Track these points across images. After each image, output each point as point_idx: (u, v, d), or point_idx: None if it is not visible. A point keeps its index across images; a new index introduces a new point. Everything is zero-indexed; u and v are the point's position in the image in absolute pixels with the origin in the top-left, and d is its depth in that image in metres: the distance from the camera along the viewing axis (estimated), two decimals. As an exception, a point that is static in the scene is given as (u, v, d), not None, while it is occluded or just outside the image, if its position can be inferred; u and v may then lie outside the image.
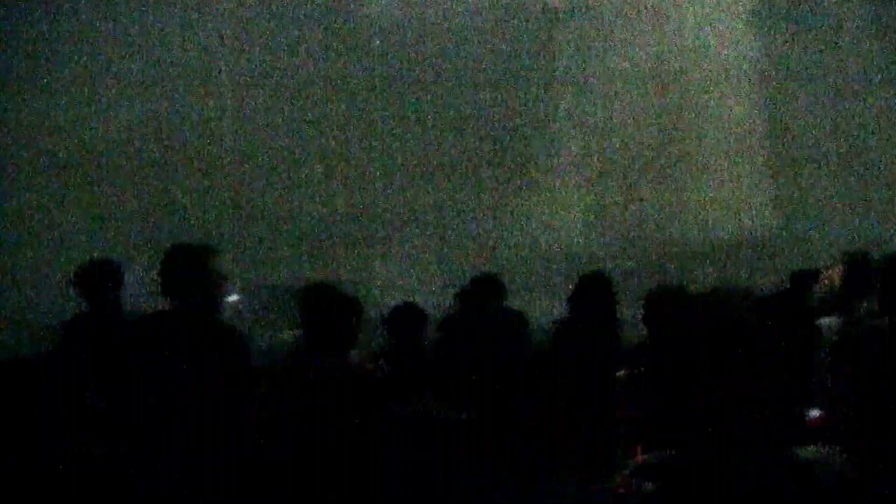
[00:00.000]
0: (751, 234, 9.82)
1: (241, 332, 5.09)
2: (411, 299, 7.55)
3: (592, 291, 6.60)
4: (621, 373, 6.01)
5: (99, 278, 6.36)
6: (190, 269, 4.84)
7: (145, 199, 9.36)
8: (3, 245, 9.04)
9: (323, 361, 4.74)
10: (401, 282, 9.32)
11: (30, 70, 9.40)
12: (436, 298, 8.71)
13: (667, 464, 2.08)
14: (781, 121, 10.34)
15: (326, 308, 4.96)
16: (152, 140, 9.40)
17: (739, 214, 10.00)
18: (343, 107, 9.73)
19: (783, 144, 10.32)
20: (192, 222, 8.52)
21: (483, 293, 7.18)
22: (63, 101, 9.38)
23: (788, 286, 7.55)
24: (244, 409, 4.67)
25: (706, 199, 10.03)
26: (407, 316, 7.07)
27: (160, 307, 4.90)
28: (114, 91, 9.44)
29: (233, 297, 9.03)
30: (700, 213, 9.89)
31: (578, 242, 9.74)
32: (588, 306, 6.42)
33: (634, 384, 5.50)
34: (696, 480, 1.96)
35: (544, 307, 6.16)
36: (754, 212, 10.10)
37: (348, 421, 4.58)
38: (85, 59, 9.45)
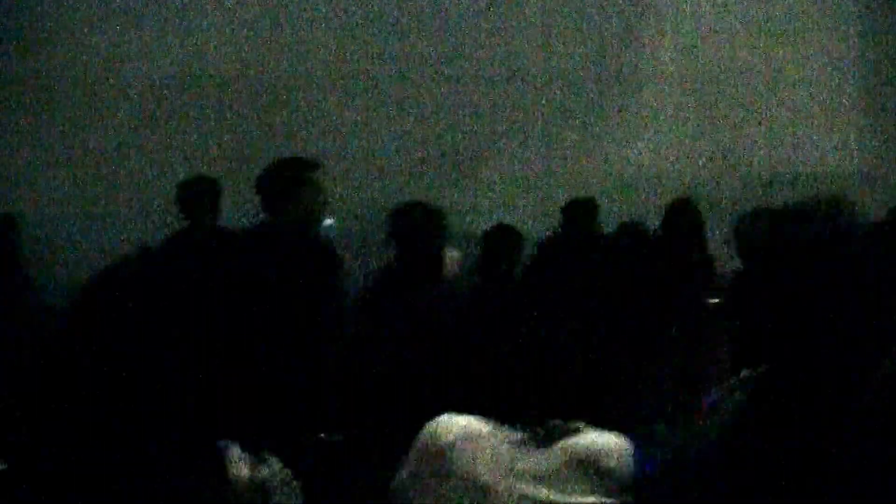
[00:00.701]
0: (840, 166, 9.62)
1: (335, 250, 5.12)
2: (507, 221, 7.58)
3: (682, 217, 6.63)
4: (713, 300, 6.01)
5: (198, 193, 6.52)
6: (290, 181, 4.87)
7: (247, 119, 9.46)
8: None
9: (414, 279, 4.76)
10: (497, 204, 9.31)
11: None
12: (531, 221, 8.71)
13: (761, 377, 2.08)
14: (871, 55, 10.06)
15: (415, 224, 4.97)
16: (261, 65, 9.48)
17: (830, 146, 9.80)
18: (439, 30, 9.69)
19: (874, 78, 10.07)
20: (289, 143, 8.54)
21: (578, 216, 7.19)
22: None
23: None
24: (337, 322, 4.71)
25: (796, 130, 9.84)
26: (503, 237, 7.10)
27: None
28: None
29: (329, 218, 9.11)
30: (790, 144, 9.71)
31: (673, 168, 9.64)
32: (676, 231, 6.45)
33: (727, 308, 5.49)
34: (788, 392, 1.96)
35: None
36: (846, 144, 9.89)
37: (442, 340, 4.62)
38: None
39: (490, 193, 9.49)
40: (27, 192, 8.89)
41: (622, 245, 4.57)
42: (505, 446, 2.49)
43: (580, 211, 7.31)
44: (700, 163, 9.67)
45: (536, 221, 8.62)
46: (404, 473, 2.59)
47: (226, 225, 6.43)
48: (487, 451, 2.49)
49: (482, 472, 2.45)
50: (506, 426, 2.53)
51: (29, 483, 1.83)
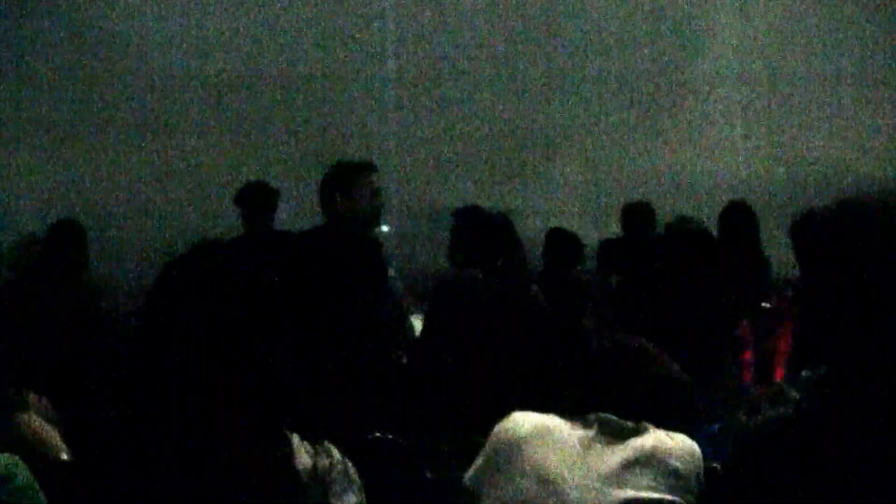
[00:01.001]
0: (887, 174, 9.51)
1: (381, 248, 5.15)
2: (566, 225, 7.62)
3: (736, 219, 6.65)
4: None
5: (256, 199, 6.69)
6: (346, 185, 4.94)
7: (301, 121, 9.54)
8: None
9: (475, 281, 4.76)
10: (557, 208, 9.32)
11: None
12: (589, 224, 8.73)
13: (817, 378, 2.08)
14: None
15: (476, 227, 4.98)
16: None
17: (884, 150, 9.69)
18: (497, 37, 9.72)
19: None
20: (350, 144, 8.61)
21: (635, 219, 7.22)
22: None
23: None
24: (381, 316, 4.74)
25: (841, 137, 9.74)
26: (561, 241, 7.18)
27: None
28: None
29: (389, 219, 9.20)
30: (835, 152, 9.62)
31: (727, 174, 9.59)
32: (731, 233, 6.47)
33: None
34: (843, 392, 1.96)
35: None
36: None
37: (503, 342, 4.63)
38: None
39: (549, 197, 9.51)
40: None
41: (679, 248, 4.56)
42: (575, 442, 2.53)
43: (637, 215, 7.34)
44: (757, 166, 9.61)
45: (596, 225, 8.67)
46: (477, 467, 2.64)
47: (283, 229, 6.58)
48: (559, 445, 2.53)
49: (553, 466, 2.50)
50: (578, 423, 2.57)
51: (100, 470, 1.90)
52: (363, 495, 1.99)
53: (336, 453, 1.98)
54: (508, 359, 4.66)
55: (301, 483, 1.89)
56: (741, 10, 9.83)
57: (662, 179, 9.44)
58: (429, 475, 3.11)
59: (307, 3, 9.59)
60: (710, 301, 4.29)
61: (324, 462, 1.95)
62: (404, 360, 5.70)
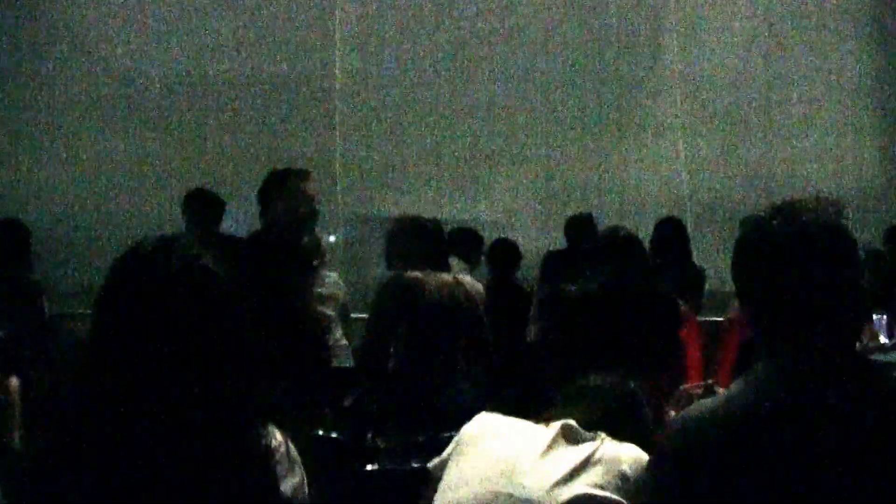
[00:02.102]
0: (855, 187, 9.68)
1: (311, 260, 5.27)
2: (511, 236, 7.74)
3: (669, 235, 6.89)
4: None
5: (201, 206, 6.74)
6: (281, 190, 5.05)
7: (251, 126, 9.58)
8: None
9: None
10: (503, 220, 9.42)
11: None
12: (535, 236, 8.84)
13: (747, 373, 2.18)
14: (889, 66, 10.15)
15: (409, 232, 5.11)
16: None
17: (844, 167, 9.86)
18: (449, 48, 9.82)
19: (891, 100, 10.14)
20: (300, 151, 8.65)
21: (577, 232, 7.35)
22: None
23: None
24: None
25: (808, 151, 9.90)
26: (503, 250, 7.32)
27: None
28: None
29: (339, 228, 9.25)
30: (800, 166, 9.78)
31: (672, 190, 9.73)
32: (664, 249, 6.68)
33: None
34: (773, 383, 2.07)
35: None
36: (861, 165, 9.95)
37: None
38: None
39: (495, 208, 9.61)
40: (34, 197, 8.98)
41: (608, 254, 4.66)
42: (537, 440, 2.62)
43: (579, 227, 7.47)
44: (702, 186, 9.74)
45: (541, 237, 8.77)
46: (443, 455, 2.73)
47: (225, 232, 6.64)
48: (521, 440, 2.63)
49: (512, 456, 2.59)
50: (541, 426, 2.67)
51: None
52: (304, 474, 2.06)
53: (279, 435, 2.06)
54: (448, 352, 4.79)
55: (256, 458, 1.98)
56: (689, 22, 9.98)
57: (611, 191, 9.56)
58: (369, 468, 3.18)
59: (262, 9, 9.65)
60: (640, 305, 4.40)
61: (269, 444, 2.02)
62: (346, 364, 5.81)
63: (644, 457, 2.57)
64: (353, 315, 6.36)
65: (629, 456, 2.59)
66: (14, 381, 4.38)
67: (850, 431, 2.00)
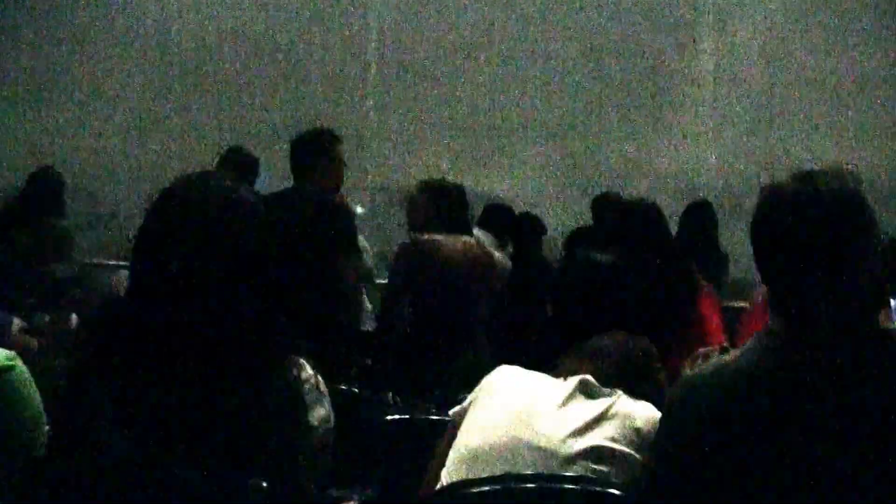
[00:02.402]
0: (886, 170, 9.68)
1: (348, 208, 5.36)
2: (535, 211, 7.81)
3: (697, 218, 6.93)
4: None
5: (238, 164, 6.83)
6: (322, 150, 5.13)
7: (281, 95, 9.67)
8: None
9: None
10: (529, 197, 9.46)
11: None
12: (561, 215, 8.89)
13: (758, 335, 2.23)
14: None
15: (430, 198, 5.17)
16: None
17: (877, 154, 9.85)
18: (479, 22, 9.86)
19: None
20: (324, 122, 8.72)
21: (604, 210, 7.39)
22: None
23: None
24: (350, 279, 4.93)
25: (842, 140, 9.89)
26: (527, 224, 7.38)
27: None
28: None
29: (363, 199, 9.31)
30: (832, 154, 9.77)
31: (700, 176, 9.76)
32: (692, 231, 6.73)
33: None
34: (785, 345, 2.13)
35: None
36: (881, 155, 9.94)
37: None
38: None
39: (522, 184, 9.66)
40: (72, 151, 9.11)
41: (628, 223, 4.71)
42: (556, 393, 2.70)
43: (607, 205, 7.50)
44: (729, 161, 9.75)
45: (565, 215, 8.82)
46: (464, 404, 2.81)
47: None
48: (539, 392, 2.71)
49: (530, 406, 2.66)
50: (561, 380, 2.75)
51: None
52: (331, 408, 2.16)
53: (309, 368, 2.15)
54: (466, 314, 4.86)
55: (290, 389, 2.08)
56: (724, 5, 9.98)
57: (639, 173, 9.59)
58: (389, 418, 3.28)
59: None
60: (657, 272, 4.46)
61: (298, 374, 2.12)
62: (369, 327, 5.90)
63: (658, 415, 2.64)
64: (377, 281, 6.46)
65: (644, 412, 2.66)
66: (74, 318, 4.54)
67: (852, 399, 2.04)
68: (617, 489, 2.45)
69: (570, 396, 2.69)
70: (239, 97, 9.60)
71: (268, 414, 2.05)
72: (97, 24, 9.57)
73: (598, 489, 2.44)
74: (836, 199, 2.12)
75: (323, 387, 2.16)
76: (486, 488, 2.44)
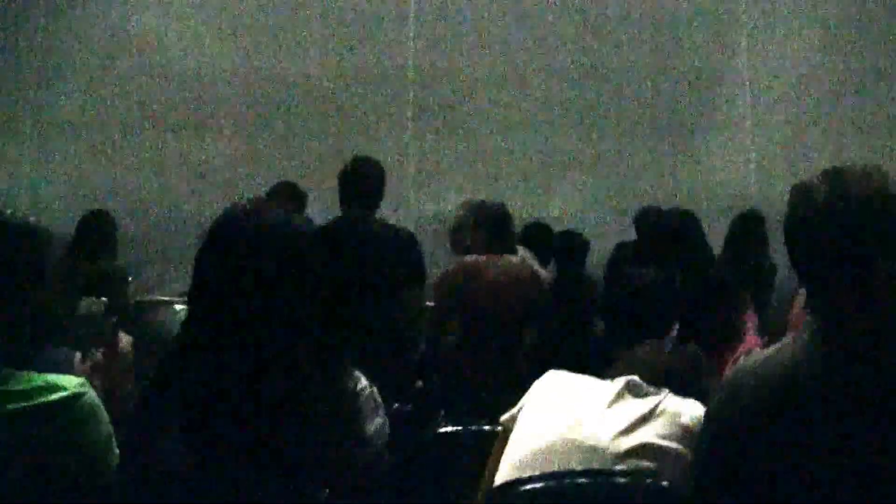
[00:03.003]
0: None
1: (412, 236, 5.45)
2: (578, 230, 7.87)
3: (743, 228, 6.92)
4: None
5: (287, 199, 6.93)
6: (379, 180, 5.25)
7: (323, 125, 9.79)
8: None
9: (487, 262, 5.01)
10: (572, 220, 9.50)
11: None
12: (604, 236, 8.94)
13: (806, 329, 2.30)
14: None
15: (474, 219, 5.24)
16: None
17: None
18: (525, 57, 9.95)
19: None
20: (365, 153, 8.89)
21: (647, 224, 7.42)
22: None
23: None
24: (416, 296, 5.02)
25: (879, 151, 9.86)
26: (569, 241, 7.45)
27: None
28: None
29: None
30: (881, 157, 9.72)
31: (741, 191, 9.76)
32: (737, 242, 6.72)
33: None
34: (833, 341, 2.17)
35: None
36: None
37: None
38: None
39: (565, 207, 9.70)
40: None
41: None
42: (602, 395, 2.78)
43: (649, 218, 7.54)
44: (770, 181, 9.74)
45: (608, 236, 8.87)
46: (514, 410, 2.90)
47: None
48: (586, 394, 2.79)
49: (577, 408, 2.75)
50: (607, 381, 2.83)
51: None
52: (386, 418, 2.25)
53: (364, 380, 2.25)
54: (513, 332, 4.91)
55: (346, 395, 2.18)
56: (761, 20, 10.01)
57: (680, 191, 9.60)
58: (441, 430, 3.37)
59: (332, 5, 9.86)
60: (699, 287, 4.51)
61: (356, 388, 2.22)
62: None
63: (702, 410, 2.71)
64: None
65: (691, 410, 2.73)
66: (125, 338, 4.65)
67: (888, 395, 2.06)
68: (666, 484, 2.52)
69: (618, 396, 2.77)
70: (278, 133, 9.74)
71: (328, 425, 2.14)
72: (136, 68, 9.73)
73: (648, 482, 2.50)
74: (867, 197, 2.13)
75: (378, 399, 2.26)
76: (539, 485, 2.51)
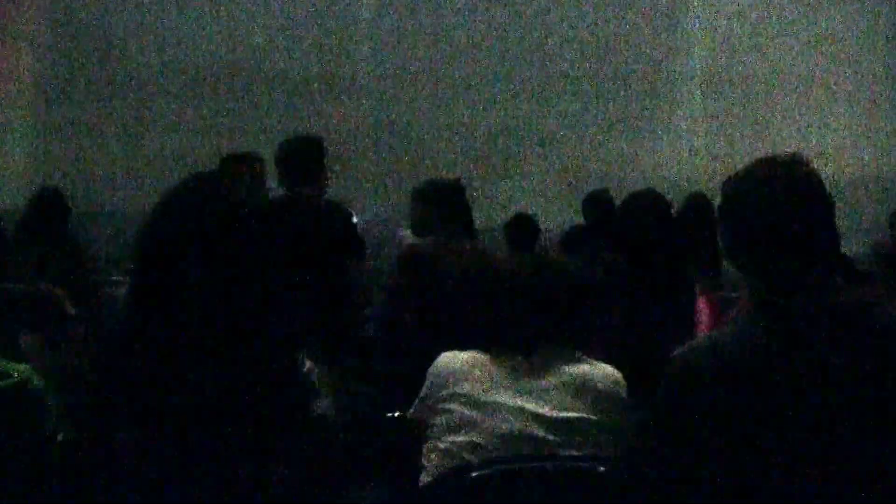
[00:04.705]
0: (875, 170, 9.79)
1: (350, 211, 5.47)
2: (531, 212, 7.92)
3: (695, 208, 6.98)
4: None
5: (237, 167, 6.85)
6: (307, 159, 5.25)
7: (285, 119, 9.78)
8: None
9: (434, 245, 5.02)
10: (523, 197, 9.55)
11: None
12: (555, 214, 9.00)
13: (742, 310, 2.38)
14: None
15: (430, 195, 5.24)
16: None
17: (862, 151, 9.95)
18: (478, 36, 9.97)
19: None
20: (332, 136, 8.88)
21: (596, 207, 7.50)
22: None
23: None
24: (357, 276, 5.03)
25: (823, 135, 9.99)
26: (521, 225, 7.50)
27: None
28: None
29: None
30: (816, 149, 9.87)
31: (688, 174, 9.85)
32: (689, 221, 6.77)
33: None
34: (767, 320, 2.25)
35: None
36: (878, 149, 10.03)
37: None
38: None
39: (519, 187, 9.75)
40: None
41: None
42: (506, 371, 2.81)
43: (598, 202, 7.61)
44: (719, 165, 9.82)
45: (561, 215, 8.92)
46: (418, 402, 2.93)
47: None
48: (489, 374, 2.82)
49: (487, 391, 2.77)
50: (504, 355, 2.86)
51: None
52: (332, 398, 2.28)
53: (309, 363, 2.27)
54: (464, 326, 4.92)
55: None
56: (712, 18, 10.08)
57: (630, 183, 9.68)
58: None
59: (299, 8, 9.85)
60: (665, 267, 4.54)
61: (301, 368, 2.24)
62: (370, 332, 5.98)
63: (619, 375, 2.77)
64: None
65: (604, 375, 2.80)
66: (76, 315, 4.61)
67: (820, 367, 2.16)
68: (603, 464, 2.56)
69: (522, 369, 2.81)
70: (228, 104, 9.72)
71: (280, 407, 2.16)
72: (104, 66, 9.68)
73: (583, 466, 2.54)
74: (795, 183, 2.25)
75: (324, 379, 2.28)
76: (484, 472, 2.55)
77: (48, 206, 6.92)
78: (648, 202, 4.82)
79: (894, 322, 2.20)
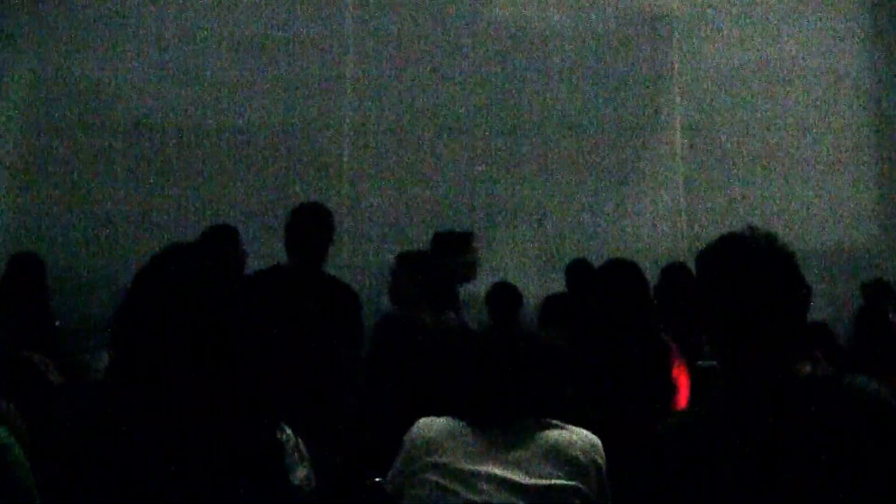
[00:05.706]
0: (850, 241, 9.84)
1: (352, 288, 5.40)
2: (510, 281, 7.91)
3: (676, 281, 7.00)
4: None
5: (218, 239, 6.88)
6: (327, 229, 5.18)
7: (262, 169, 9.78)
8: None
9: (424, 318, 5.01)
10: (503, 266, 9.54)
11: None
12: (535, 282, 8.99)
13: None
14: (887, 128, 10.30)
15: (412, 267, 5.24)
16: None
17: (839, 221, 10.00)
18: (458, 108, 10.03)
19: (888, 151, 10.27)
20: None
21: (577, 277, 7.53)
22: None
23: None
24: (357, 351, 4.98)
25: (801, 203, 10.04)
26: (502, 294, 7.50)
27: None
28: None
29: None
30: (794, 218, 9.92)
31: (666, 240, 9.87)
32: (671, 295, 6.78)
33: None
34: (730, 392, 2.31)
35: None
36: (855, 219, 10.08)
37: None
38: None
39: (499, 256, 9.74)
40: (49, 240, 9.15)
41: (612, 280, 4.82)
42: (481, 440, 2.81)
43: (579, 272, 7.64)
44: (696, 236, 9.84)
45: (540, 283, 8.92)
46: (395, 471, 2.92)
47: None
48: (466, 443, 2.81)
49: (466, 461, 2.77)
50: (480, 425, 2.86)
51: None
52: (311, 469, 2.27)
53: (289, 431, 2.26)
54: (440, 396, 4.90)
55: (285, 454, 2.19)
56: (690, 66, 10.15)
57: (610, 240, 9.69)
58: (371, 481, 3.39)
59: (273, 57, 9.89)
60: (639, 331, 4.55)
61: (282, 439, 2.23)
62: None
63: (596, 440, 2.77)
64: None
65: (581, 441, 2.80)
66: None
67: (785, 440, 2.20)
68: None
69: (498, 438, 2.81)
70: (214, 185, 9.71)
71: (254, 474, 2.14)
72: (82, 115, 9.68)
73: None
74: (766, 257, 2.30)
75: (303, 449, 2.28)
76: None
77: (25, 270, 6.90)
78: (621, 270, 4.84)
79: (861, 394, 2.22)
